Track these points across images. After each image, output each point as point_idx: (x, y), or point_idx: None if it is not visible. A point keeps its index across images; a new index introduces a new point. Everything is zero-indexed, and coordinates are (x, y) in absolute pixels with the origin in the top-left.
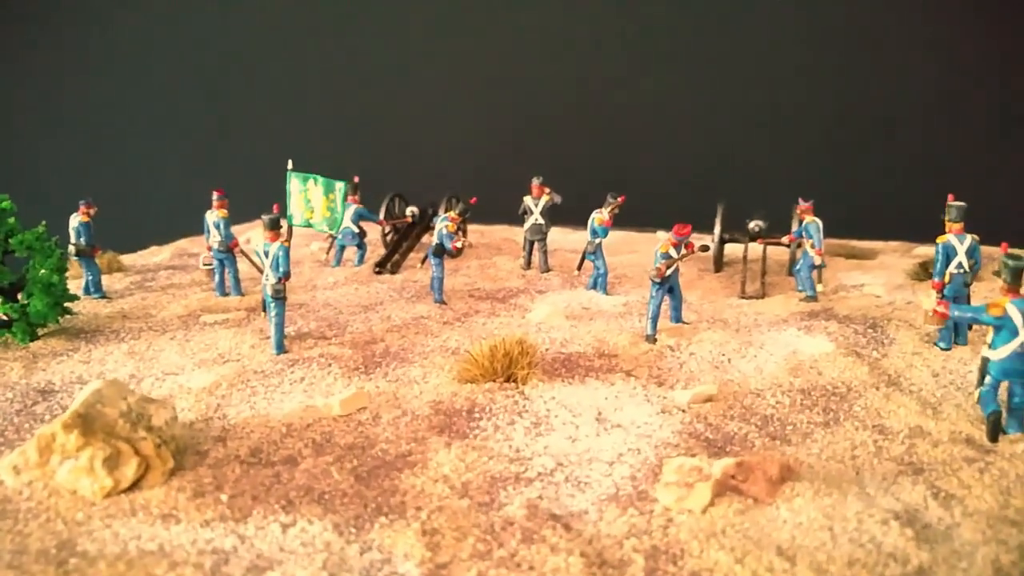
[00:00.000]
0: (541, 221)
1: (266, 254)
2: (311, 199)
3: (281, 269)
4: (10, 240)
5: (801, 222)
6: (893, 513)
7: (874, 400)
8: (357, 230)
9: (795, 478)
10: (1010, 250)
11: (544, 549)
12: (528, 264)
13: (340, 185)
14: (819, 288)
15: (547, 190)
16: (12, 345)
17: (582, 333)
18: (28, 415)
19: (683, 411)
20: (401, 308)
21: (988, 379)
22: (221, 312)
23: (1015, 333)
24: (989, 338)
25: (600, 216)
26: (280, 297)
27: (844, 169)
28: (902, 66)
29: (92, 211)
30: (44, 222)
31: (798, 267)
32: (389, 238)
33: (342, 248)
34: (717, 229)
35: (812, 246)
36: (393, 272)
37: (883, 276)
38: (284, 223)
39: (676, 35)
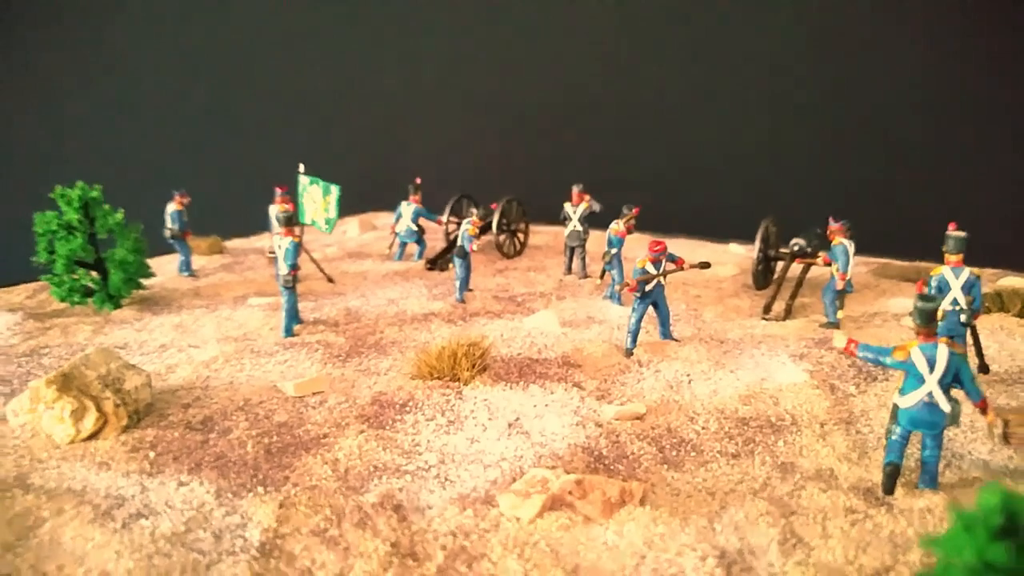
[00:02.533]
0: (580, 228)
1: (279, 247)
2: (315, 200)
3: (289, 261)
4: (95, 224)
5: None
6: (720, 551)
7: (805, 437)
8: (416, 228)
9: (641, 502)
10: (924, 290)
11: (368, 534)
12: (569, 270)
13: (335, 188)
14: (840, 315)
15: (587, 197)
16: (93, 311)
17: (564, 341)
18: None
19: (599, 426)
20: (420, 304)
21: (897, 428)
22: (270, 296)
23: (921, 380)
24: (900, 384)
25: (616, 227)
26: (289, 286)
27: (920, 187)
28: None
29: (186, 200)
30: (122, 210)
31: (823, 291)
32: (452, 236)
33: (403, 244)
34: (757, 245)
35: (837, 270)
36: (443, 269)
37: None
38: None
39: (729, 43)
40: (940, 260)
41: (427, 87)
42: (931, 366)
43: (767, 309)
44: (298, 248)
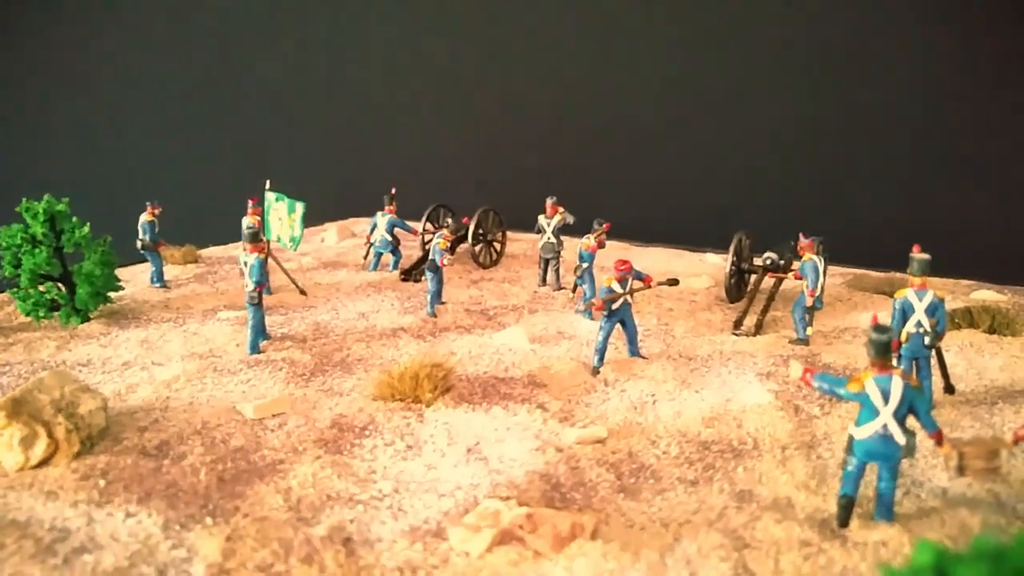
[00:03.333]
0: (553, 240)
1: (245, 263)
2: (280, 217)
3: (254, 278)
4: (62, 238)
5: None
6: None
7: (766, 463)
8: (391, 238)
9: (593, 536)
10: (879, 321)
11: (314, 570)
12: (544, 281)
13: (300, 206)
14: (809, 332)
15: (560, 209)
16: (59, 326)
17: (532, 359)
18: None
19: (560, 451)
20: (390, 318)
21: (852, 459)
22: (240, 309)
23: (875, 412)
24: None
25: (587, 242)
26: (255, 303)
27: (899, 197)
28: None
29: (157, 211)
30: (88, 223)
31: (793, 307)
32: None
33: (379, 255)
34: (730, 259)
35: (806, 287)
36: (417, 280)
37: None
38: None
39: (709, 53)
40: (894, 268)
41: (409, 93)
42: (885, 398)
43: (737, 324)
44: (264, 264)
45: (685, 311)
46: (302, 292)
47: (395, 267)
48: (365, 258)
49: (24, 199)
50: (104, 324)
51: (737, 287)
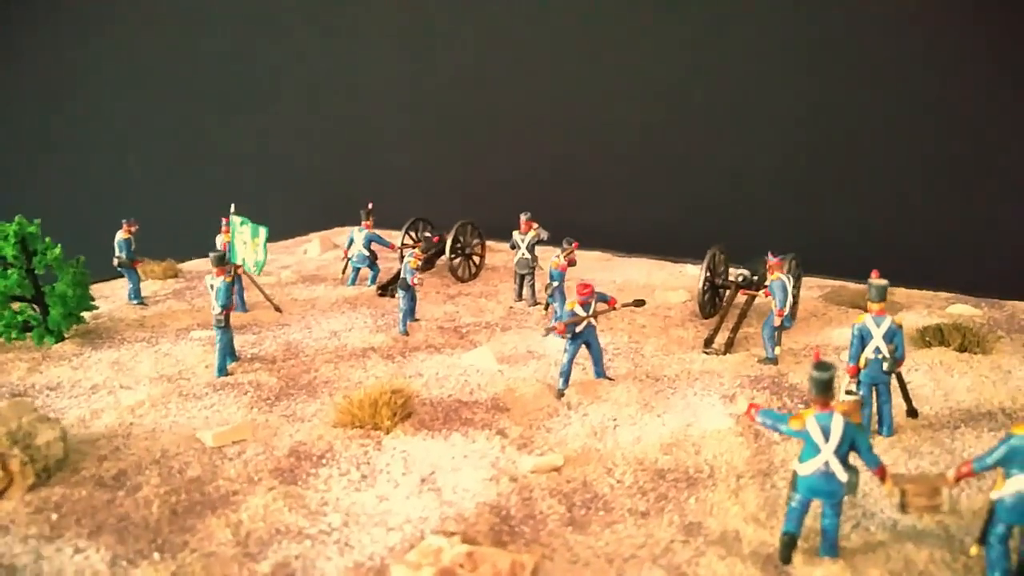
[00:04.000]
0: (528, 256)
1: (212, 286)
2: (245, 241)
3: (220, 301)
4: (33, 259)
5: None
6: None
7: (719, 493)
8: (368, 253)
9: (535, 574)
10: (823, 359)
11: None
12: (519, 296)
13: (263, 230)
14: (776, 351)
15: (535, 225)
16: (33, 347)
17: (498, 380)
18: None
19: (514, 481)
20: (362, 337)
21: (796, 495)
22: (212, 329)
23: (817, 450)
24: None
25: (557, 261)
26: (222, 326)
27: (881, 208)
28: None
29: (134, 229)
30: (59, 245)
31: (763, 325)
32: None
33: (357, 270)
34: (703, 275)
35: (775, 306)
36: (393, 295)
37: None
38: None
39: (692, 63)
40: (896, 282)
41: (395, 105)
42: (826, 436)
43: (708, 342)
44: (230, 288)
45: (658, 327)
46: (277, 309)
47: (373, 282)
48: (343, 273)
49: None
50: (78, 344)
51: (711, 303)
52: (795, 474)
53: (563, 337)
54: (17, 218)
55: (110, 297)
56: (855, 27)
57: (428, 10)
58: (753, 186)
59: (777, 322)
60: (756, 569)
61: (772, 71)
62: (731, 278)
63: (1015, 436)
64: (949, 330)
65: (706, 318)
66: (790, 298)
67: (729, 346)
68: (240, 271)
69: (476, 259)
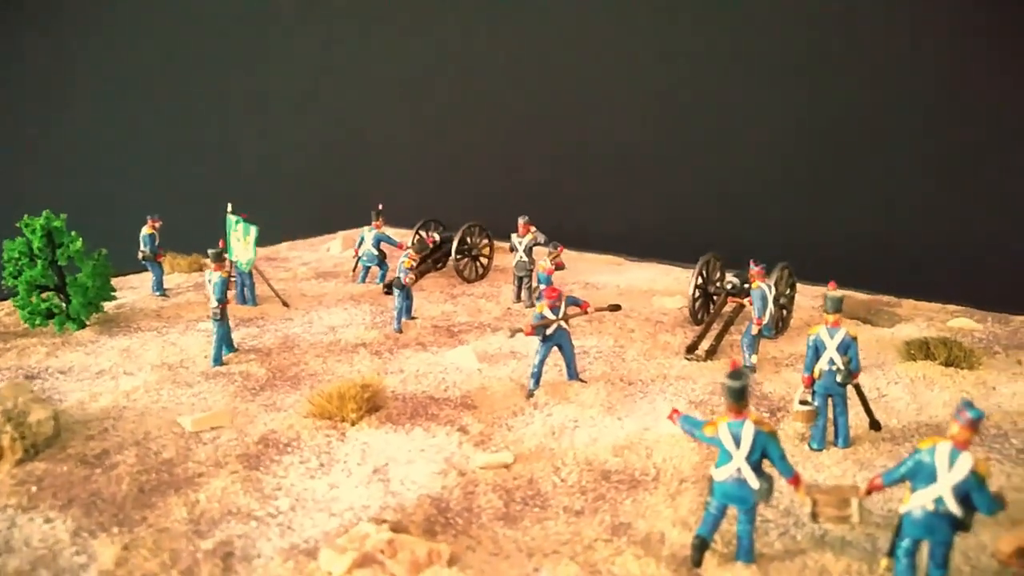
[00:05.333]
0: (525, 258)
1: (209, 281)
2: (239, 238)
3: (216, 295)
4: (57, 251)
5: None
6: None
7: (657, 496)
8: (377, 252)
9: (450, 563)
10: (739, 367)
11: None
12: (518, 298)
13: (253, 229)
14: (753, 360)
15: (532, 228)
16: (55, 333)
17: (475, 379)
18: None
19: (462, 475)
20: (357, 333)
21: (712, 501)
22: None
23: (729, 457)
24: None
25: (544, 264)
26: (218, 319)
27: (890, 220)
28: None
29: (158, 224)
30: (80, 238)
31: (743, 333)
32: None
33: (367, 268)
34: (694, 281)
35: (754, 315)
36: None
37: (873, 350)
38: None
39: (709, 69)
40: (904, 294)
41: (421, 109)
42: (737, 443)
43: (691, 348)
44: (226, 283)
45: (646, 333)
46: (285, 304)
47: (381, 280)
48: (354, 271)
49: (25, 215)
50: (96, 332)
51: (704, 310)
52: (711, 480)
53: (538, 337)
54: (45, 212)
55: (137, 288)
56: (860, 31)
57: (442, 14)
58: (762, 194)
59: (755, 331)
60: (669, 571)
61: (781, 78)
62: (721, 285)
63: (921, 451)
64: (935, 344)
65: (698, 325)
66: (771, 307)
67: (712, 353)
68: (254, 267)
69: (484, 260)
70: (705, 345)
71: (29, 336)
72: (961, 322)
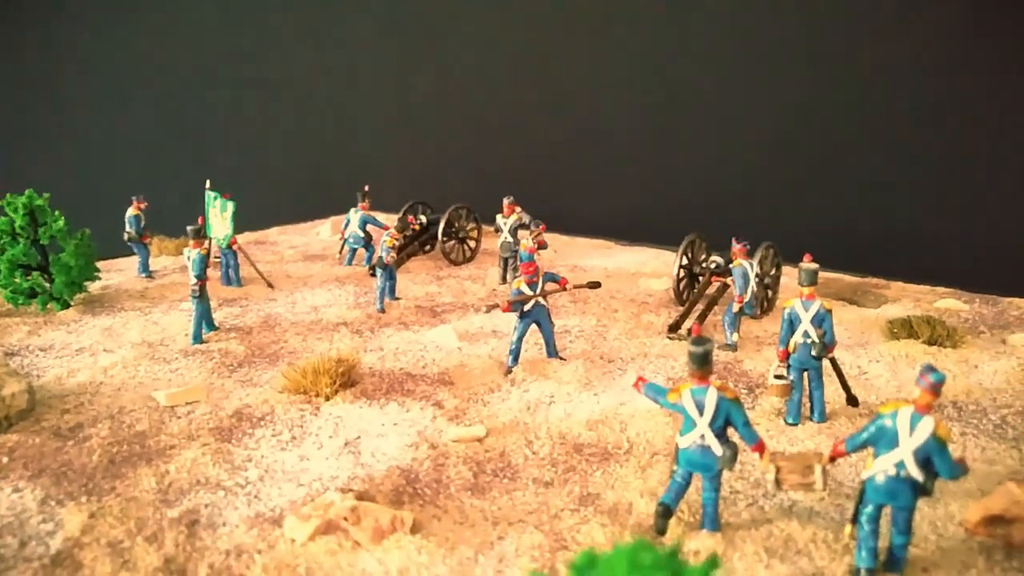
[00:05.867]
0: (510, 239)
1: (189, 258)
2: (216, 215)
3: (195, 272)
4: (39, 230)
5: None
6: None
7: (628, 468)
8: (363, 234)
9: (413, 530)
10: (701, 334)
11: (152, 548)
12: (504, 279)
13: (231, 205)
14: (734, 338)
15: (517, 209)
16: (39, 312)
17: (454, 356)
18: None
19: (433, 448)
20: (339, 312)
21: (678, 469)
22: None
23: (693, 424)
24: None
25: (526, 243)
26: (196, 296)
27: (882, 202)
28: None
29: (143, 205)
30: (63, 217)
31: (724, 312)
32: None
33: (353, 250)
34: (678, 261)
35: (735, 293)
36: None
37: (858, 329)
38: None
39: (711, 57)
40: (894, 276)
41: (408, 94)
42: (700, 410)
43: (673, 328)
44: (204, 260)
45: (631, 313)
46: (269, 285)
47: (368, 262)
48: (340, 252)
49: (8, 194)
50: (79, 311)
51: (689, 290)
52: (677, 447)
53: (515, 313)
54: (28, 191)
55: (125, 271)
56: (852, 12)
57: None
58: (754, 176)
59: (736, 308)
60: (633, 538)
61: (772, 59)
62: (708, 263)
63: (883, 416)
64: (918, 322)
65: (683, 305)
66: (753, 286)
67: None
68: (236, 247)
69: (471, 243)
70: (688, 324)
71: (12, 316)
72: (948, 303)
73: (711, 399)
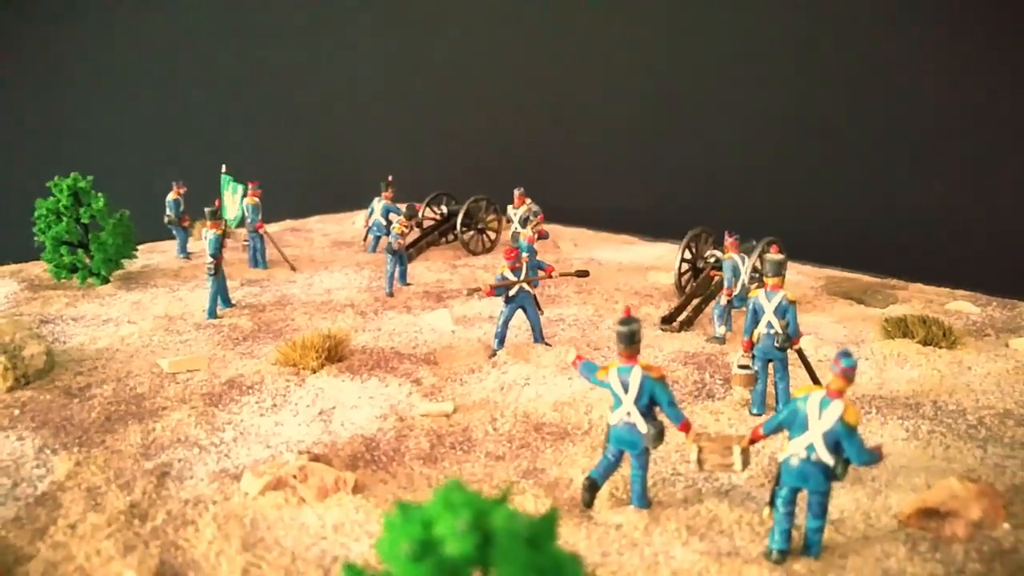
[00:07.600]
0: (520, 230)
1: (205, 238)
2: (231, 196)
3: (210, 251)
4: (80, 210)
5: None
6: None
7: (579, 447)
8: (386, 223)
9: (355, 491)
10: (632, 313)
11: (122, 495)
12: None
13: (240, 188)
14: (722, 331)
15: (528, 200)
16: (79, 286)
17: (445, 338)
18: None
19: (401, 420)
20: (349, 295)
21: (609, 446)
22: (230, 279)
23: (619, 402)
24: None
25: (525, 233)
26: (212, 274)
27: (897, 199)
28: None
29: (183, 190)
30: (103, 199)
31: (714, 305)
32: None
33: (377, 238)
34: (680, 255)
35: (724, 286)
36: (410, 259)
37: (856, 327)
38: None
39: (710, 54)
40: (897, 275)
41: (446, 87)
42: (625, 388)
43: (666, 320)
44: (220, 239)
45: (630, 304)
46: (292, 268)
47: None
48: (364, 240)
49: (56, 176)
50: (115, 287)
51: (692, 283)
52: (608, 425)
53: (500, 297)
54: (73, 174)
55: (166, 252)
56: (854, 14)
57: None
58: (769, 173)
59: (723, 301)
60: (562, 510)
61: (777, 54)
62: (706, 257)
63: (796, 399)
64: (914, 322)
65: (682, 296)
66: (743, 279)
67: (687, 324)
68: (262, 230)
69: (491, 234)
70: (682, 317)
71: (56, 288)
72: (960, 305)
73: (635, 377)
